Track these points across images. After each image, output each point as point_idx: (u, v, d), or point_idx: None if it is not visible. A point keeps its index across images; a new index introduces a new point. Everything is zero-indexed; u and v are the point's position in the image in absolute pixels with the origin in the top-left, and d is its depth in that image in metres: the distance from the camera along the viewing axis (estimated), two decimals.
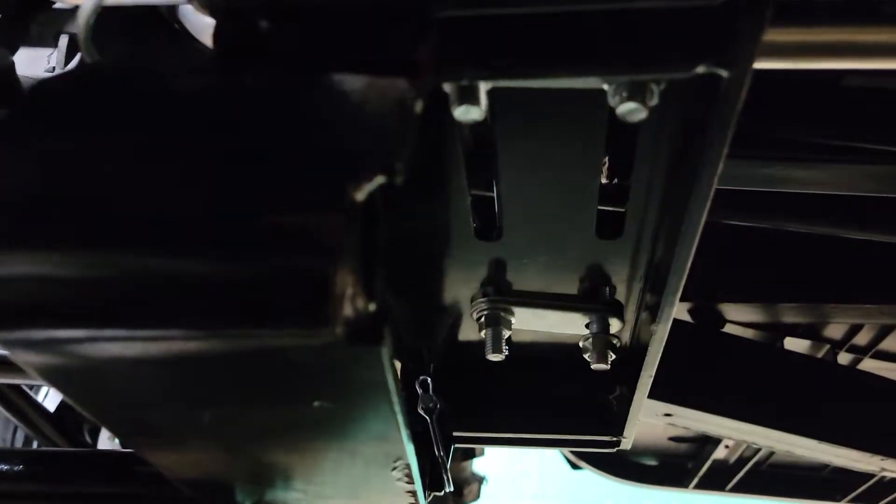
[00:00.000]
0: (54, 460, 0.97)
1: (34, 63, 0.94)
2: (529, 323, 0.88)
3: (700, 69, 0.47)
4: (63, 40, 0.93)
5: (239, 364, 0.48)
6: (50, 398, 1.68)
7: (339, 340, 0.43)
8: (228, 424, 0.56)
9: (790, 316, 1.30)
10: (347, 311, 0.43)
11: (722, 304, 1.27)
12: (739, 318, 1.31)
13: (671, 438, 1.90)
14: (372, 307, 0.47)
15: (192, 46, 0.67)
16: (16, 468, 0.93)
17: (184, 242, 0.42)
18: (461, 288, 0.89)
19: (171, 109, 0.45)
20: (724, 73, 0.47)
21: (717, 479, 1.96)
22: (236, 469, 0.66)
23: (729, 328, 1.31)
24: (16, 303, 0.44)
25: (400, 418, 0.53)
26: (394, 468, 0.64)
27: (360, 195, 0.42)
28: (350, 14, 0.45)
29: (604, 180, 0.75)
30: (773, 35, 0.63)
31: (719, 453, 1.90)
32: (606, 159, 0.73)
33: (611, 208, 0.76)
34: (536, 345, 1.03)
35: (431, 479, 0.98)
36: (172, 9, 0.70)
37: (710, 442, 1.90)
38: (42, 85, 0.44)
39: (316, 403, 0.52)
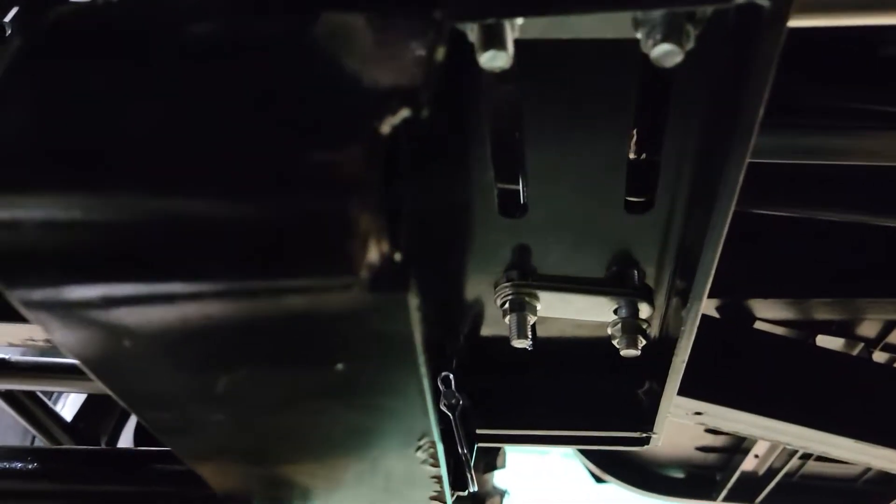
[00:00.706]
0: (69, 458, 0.95)
1: None
2: (555, 309, 0.85)
3: None
4: None
5: (259, 322, 0.46)
6: (67, 407, 1.66)
7: (362, 285, 0.40)
8: (247, 395, 0.54)
9: (822, 312, 1.26)
10: (372, 255, 0.40)
11: (751, 300, 1.24)
12: (769, 314, 1.27)
13: (698, 448, 1.85)
14: (398, 256, 0.44)
15: None
16: (30, 466, 0.91)
17: (204, 184, 0.40)
18: (484, 274, 0.87)
19: (191, 49, 0.43)
20: (765, 3, 0.44)
21: (746, 492, 1.90)
22: (258, 450, 0.63)
23: (759, 326, 1.27)
24: (24, 253, 0.42)
25: (425, 382, 0.50)
26: (418, 447, 0.61)
27: (385, 127, 0.40)
28: None
29: (632, 156, 0.72)
30: None
31: (748, 465, 1.84)
32: (635, 132, 0.70)
33: (639, 186, 0.74)
34: (562, 339, 1.00)
35: (455, 478, 0.94)
36: None
37: (739, 452, 1.85)
38: (60, 16, 0.43)
39: (339, 366, 0.49)
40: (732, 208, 0.62)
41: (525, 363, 1.00)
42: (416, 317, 0.44)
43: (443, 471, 0.65)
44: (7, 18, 0.93)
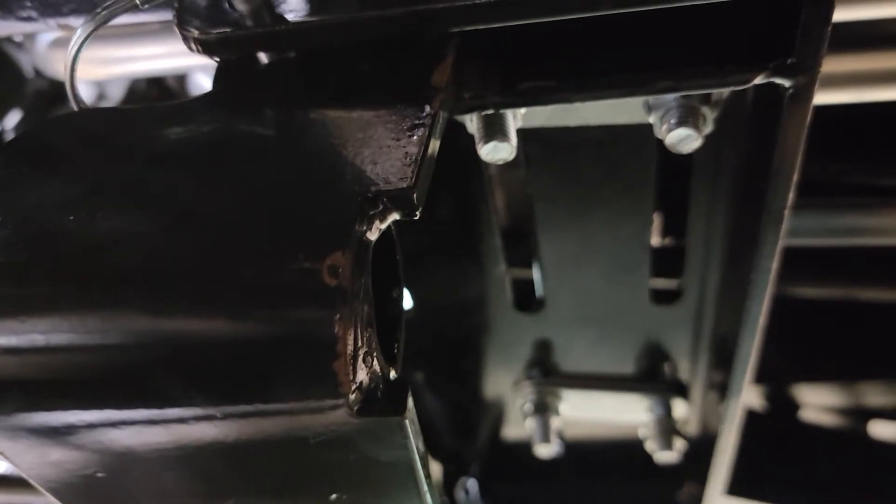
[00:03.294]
0: None
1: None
2: (582, 409, 0.79)
3: (759, 79, 0.41)
4: None
5: (242, 450, 0.41)
6: None
7: (351, 410, 0.35)
8: None
9: (874, 396, 1.18)
10: (360, 373, 0.36)
11: (796, 386, 1.16)
12: (817, 401, 1.19)
13: None
14: (392, 373, 0.39)
15: None
16: None
17: (172, 303, 0.36)
18: (503, 374, 0.81)
19: (159, 152, 0.40)
20: (786, 83, 0.40)
21: None
22: None
23: (806, 413, 1.19)
24: (9, 378, 0.38)
25: None
26: None
27: (372, 234, 0.36)
28: (358, 36, 0.40)
29: (656, 241, 0.68)
30: (837, 63, 0.57)
31: None
32: (657, 217, 0.66)
33: (666, 275, 0.69)
34: (592, 442, 0.93)
35: None
36: (182, 80, 0.67)
37: None
38: (25, 133, 0.40)
39: (333, 497, 0.44)
40: (767, 295, 0.56)
41: (554, 468, 0.93)
42: (414, 441, 0.38)
43: None
44: (9, 126, 0.93)
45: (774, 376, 1.15)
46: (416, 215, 0.36)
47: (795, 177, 0.45)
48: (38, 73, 0.92)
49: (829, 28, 0.38)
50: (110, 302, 0.36)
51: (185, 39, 0.41)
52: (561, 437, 0.81)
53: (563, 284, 0.67)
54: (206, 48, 0.40)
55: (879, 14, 0.52)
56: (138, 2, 0.38)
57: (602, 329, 0.72)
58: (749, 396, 1.16)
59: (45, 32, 0.63)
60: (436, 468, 0.92)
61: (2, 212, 0.38)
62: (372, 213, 0.36)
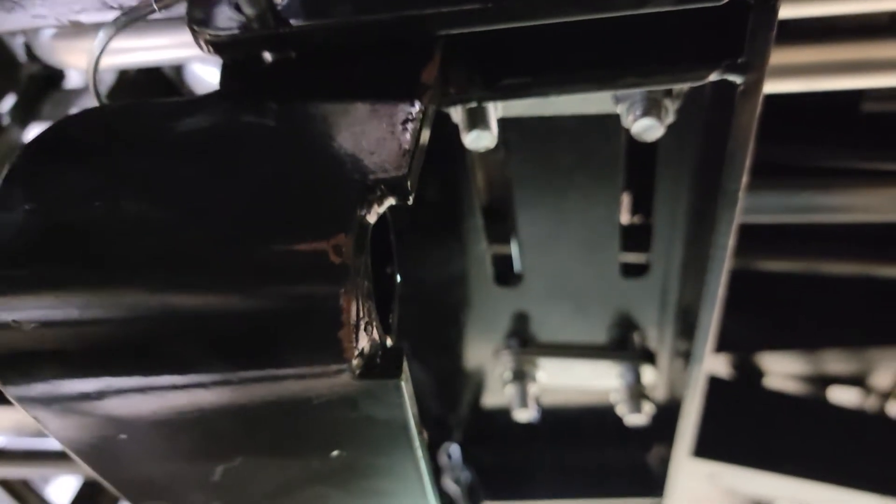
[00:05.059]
0: None
1: None
2: (558, 376, 0.85)
3: (713, 76, 0.45)
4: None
5: (252, 411, 0.45)
6: (60, 491, 1.63)
7: (353, 373, 0.40)
8: (242, 482, 0.53)
9: (833, 363, 1.24)
10: (362, 341, 0.40)
11: (760, 355, 1.23)
12: (780, 369, 1.25)
13: None
14: (388, 341, 0.44)
15: None
16: None
17: (191, 280, 0.40)
18: (484, 345, 0.86)
19: (174, 144, 0.44)
20: (737, 80, 0.45)
21: None
22: None
23: (770, 380, 1.26)
24: (22, 351, 0.42)
25: (422, 464, 0.49)
26: None
27: (371, 217, 0.40)
28: (354, 37, 0.45)
29: (624, 220, 0.73)
30: (790, 55, 0.62)
31: None
32: (626, 197, 0.71)
33: (634, 250, 0.74)
34: (568, 408, 0.99)
35: None
36: (179, 71, 0.70)
37: None
38: (52, 127, 0.44)
39: (334, 453, 0.49)
40: (725, 269, 0.62)
41: (531, 433, 0.99)
42: (409, 401, 0.43)
43: None
44: (4, 109, 0.95)
45: (739, 345, 1.21)
46: (409, 200, 0.41)
47: (748, 162, 0.50)
48: (32, 58, 0.95)
49: (774, 32, 0.43)
50: (138, 280, 0.40)
51: (196, 40, 0.44)
52: (538, 403, 0.86)
53: (539, 260, 0.72)
54: (217, 48, 0.44)
55: (824, 11, 0.57)
56: (156, 7, 0.42)
57: (576, 302, 0.78)
58: (716, 364, 1.22)
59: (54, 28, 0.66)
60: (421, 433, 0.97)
61: (34, 199, 0.42)
62: (370, 198, 0.40)
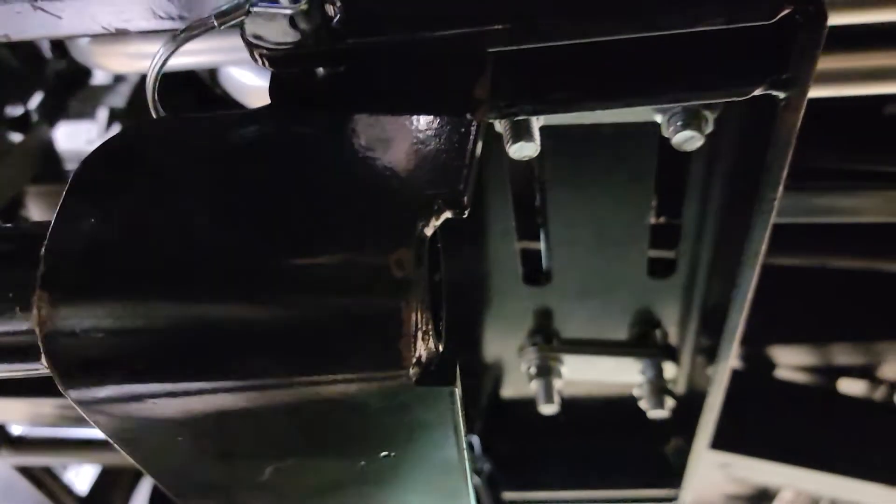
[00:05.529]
0: None
1: (73, 137, 0.96)
2: (581, 372, 0.86)
3: (757, 91, 0.47)
4: (101, 113, 0.95)
5: (309, 414, 0.47)
6: (81, 478, 1.65)
7: (411, 381, 0.41)
8: (289, 481, 0.55)
9: (843, 356, 1.26)
10: (420, 350, 0.42)
11: (772, 347, 1.24)
12: (791, 361, 1.27)
13: (728, 496, 1.82)
14: (441, 346, 0.45)
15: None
16: None
17: (256, 291, 0.41)
18: (507, 339, 0.88)
19: (235, 156, 0.45)
20: (780, 95, 0.46)
21: None
22: None
23: (781, 372, 1.28)
24: (87, 358, 0.43)
25: (466, 465, 0.51)
26: None
27: (428, 230, 0.41)
28: (408, 54, 0.46)
29: (652, 220, 0.74)
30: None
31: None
32: (655, 199, 0.72)
33: (662, 250, 0.75)
34: (588, 400, 1.00)
35: None
36: (213, 73, 0.71)
37: (766, 500, 1.82)
38: (112, 139, 0.45)
39: (382, 454, 0.50)
40: (757, 272, 0.63)
41: (550, 424, 1.00)
42: (459, 406, 0.45)
43: None
44: (32, 107, 0.96)
45: (751, 338, 1.23)
46: (465, 214, 0.42)
47: (785, 172, 0.51)
48: (57, 55, 0.96)
49: (820, 50, 0.44)
50: (205, 290, 0.42)
51: (252, 54, 0.45)
52: (561, 396, 0.88)
53: (568, 260, 0.73)
54: (272, 62, 0.45)
55: (848, 20, 0.58)
56: (216, 24, 0.43)
57: (602, 300, 0.79)
58: None
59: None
60: None
61: (97, 212, 0.43)
62: (428, 213, 0.41)
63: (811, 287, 1.18)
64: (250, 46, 0.45)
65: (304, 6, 0.43)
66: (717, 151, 0.60)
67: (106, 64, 0.71)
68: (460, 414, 0.46)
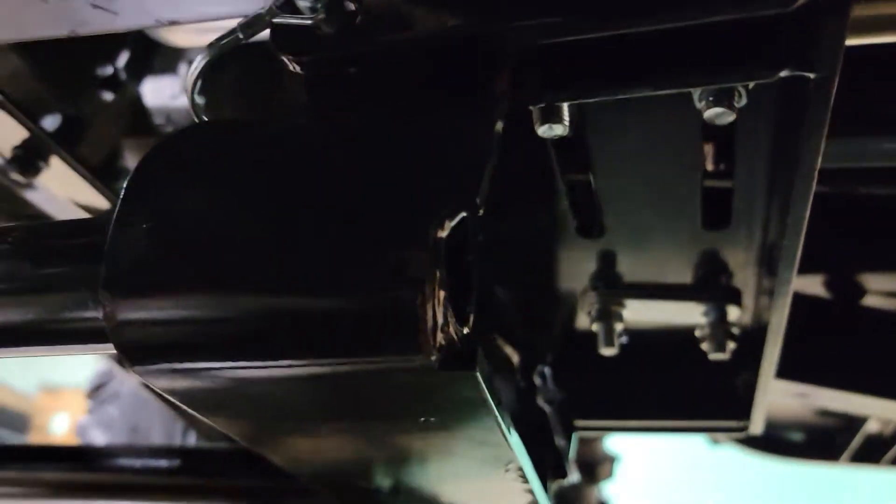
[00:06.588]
0: (208, 457, 1.07)
1: (159, 93, 1.02)
2: (643, 314, 0.88)
3: (784, 73, 0.45)
4: (183, 69, 1.00)
5: (351, 386, 0.52)
6: None
7: (433, 366, 0.45)
8: (346, 434, 0.61)
9: None
10: (439, 338, 0.45)
11: (860, 274, 1.20)
12: (882, 287, 1.23)
13: (818, 413, 1.81)
14: (465, 331, 0.49)
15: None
16: (173, 463, 1.03)
17: (295, 284, 0.46)
18: (571, 282, 0.90)
19: (271, 159, 0.48)
20: (809, 76, 0.45)
21: (870, 453, 1.84)
22: (360, 464, 0.70)
23: (870, 299, 1.23)
24: (148, 342, 0.49)
25: (505, 431, 0.55)
26: (507, 470, 0.66)
27: (443, 232, 0.44)
28: (427, 54, 0.47)
29: (710, 167, 0.73)
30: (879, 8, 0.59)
31: (871, 427, 1.79)
32: (711, 147, 0.71)
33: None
34: (656, 332, 1.02)
35: (555, 469, 0.99)
36: None
37: (852, 429, 1.79)
38: (160, 145, 0.49)
39: (422, 419, 0.55)
40: (805, 224, 0.62)
41: (621, 354, 1.03)
42: (485, 384, 0.48)
43: (532, 485, 0.70)
44: (120, 65, 1.02)
45: (838, 265, 1.18)
46: (479, 212, 0.44)
47: (822, 144, 0.50)
48: None
49: (846, 31, 0.42)
50: (253, 285, 0.46)
51: (281, 59, 0.48)
52: (624, 336, 0.90)
53: (619, 216, 0.74)
54: (301, 67, 0.48)
55: None
56: (241, 35, 0.45)
57: (660, 247, 0.79)
58: (813, 286, 1.21)
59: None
60: (514, 356, 1.03)
61: (151, 215, 0.48)
62: (443, 213, 0.44)
63: None
64: (279, 54, 0.48)
65: (321, 14, 0.45)
66: (758, 115, 0.58)
67: (172, 40, 0.75)
68: (487, 392, 0.49)
